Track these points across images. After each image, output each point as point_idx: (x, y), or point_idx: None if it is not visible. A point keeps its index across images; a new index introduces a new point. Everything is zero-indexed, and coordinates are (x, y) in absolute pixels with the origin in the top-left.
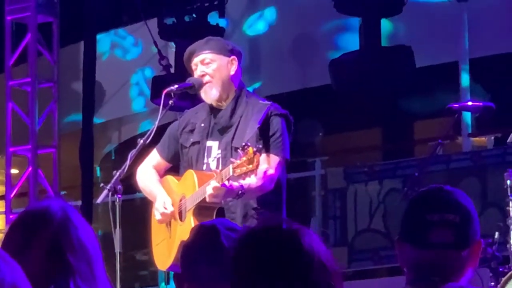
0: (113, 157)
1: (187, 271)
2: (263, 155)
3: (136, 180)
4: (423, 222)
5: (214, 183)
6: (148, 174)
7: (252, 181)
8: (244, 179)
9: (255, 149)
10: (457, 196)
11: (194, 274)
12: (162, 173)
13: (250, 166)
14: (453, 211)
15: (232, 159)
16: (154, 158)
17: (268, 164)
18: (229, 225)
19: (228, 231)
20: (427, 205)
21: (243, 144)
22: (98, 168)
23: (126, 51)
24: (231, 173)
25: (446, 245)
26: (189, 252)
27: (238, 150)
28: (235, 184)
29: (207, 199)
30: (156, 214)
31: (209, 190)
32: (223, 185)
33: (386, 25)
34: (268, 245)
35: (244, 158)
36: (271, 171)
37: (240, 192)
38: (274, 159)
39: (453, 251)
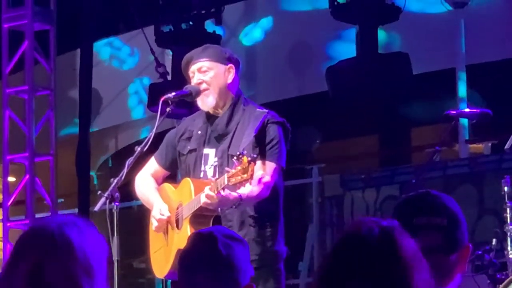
0: (110, 165)
1: (185, 279)
2: (259, 162)
3: (135, 188)
4: (410, 226)
5: (208, 192)
6: (146, 182)
7: (249, 190)
8: (239, 188)
9: (249, 158)
10: (444, 200)
11: (192, 282)
12: (161, 181)
13: (245, 175)
14: (440, 214)
15: (227, 168)
16: (152, 166)
17: (264, 171)
18: (226, 233)
19: (226, 239)
20: (414, 209)
21: (238, 153)
22: (95, 176)
23: (122, 61)
24: (226, 182)
25: (434, 248)
26: (187, 260)
27: (233, 159)
28: (234, 194)
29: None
30: (153, 221)
31: (203, 198)
32: (219, 194)
33: (382, 35)
34: (365, 250)
35: (239, 168)
36: (267, 178)
37: (238, 202)
38: (270, 166)
39: (441, 255)
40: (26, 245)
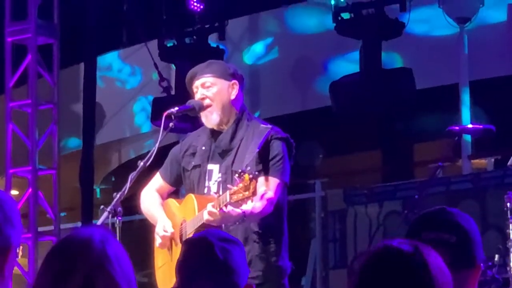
0: (113, 179)
1: (185, 285)
2: (262, 178)
3: (138, 202)
4: (418, 240)
5: (210, 209)
6: (151, 197)
7: (252, 206)
8: (241, 205)
9: (251, 175)
10: (457, 217)
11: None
12: (166, 196)
13: (246, 192)
14: (450, 231)
15: (229, 186)
16: (157, 181)
17: (267, 187)
18: (221, 236)
19: (221, 243)
20: (424, 224)
21: (240, 170)
22: (98, 190)
23: (124, 82)
24: (228, 200)
25: None
26: (185, 268)
27: (235, 176)
28: (237, 210)
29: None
30: (157, 238)
31: (206, 215)
32: (221, 210)
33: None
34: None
35: (241, 185)
36: (270, 194)
37: (241, 218)
38: (274, 181)
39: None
40: (74, 257)
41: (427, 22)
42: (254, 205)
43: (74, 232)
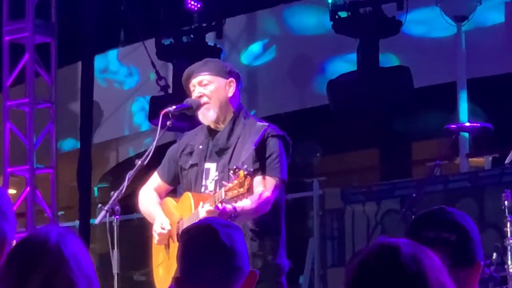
0: (110, 178)
1: (191, 275)
2: (259, 177)
3: (136, 201)
4: (418, 239)
5: (207, 206)
6: (148, 197)
7: (245, 203)
8: (236, 202)
9: (245, 172)
10: (455, 216)
11: (199, 277)
12: (164, 195)
13: (241, 189)
14: (450, 230)
15: (224, 182)
16: (155, 181)
17: (264, 186)
18: (222, 222)
19: (225, 228)
20: (424, 223)
21: (234, 167)
22: (95, 189)
23: (121, 83)
24: (223, 196)
25: None
26: (189, 256)
27: (230, 173)
28: (228, 206)
29: None
30: (155, 235)
31: (202, 213)
32: (216, 207)
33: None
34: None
35: (236, 182)
36: (267, 194)
37: (233, 214)
38: (270, 181)
39: (448, 270)
40: (30, 264)
41: (425, 22)
42: (249, 204)
43: (30, 235)
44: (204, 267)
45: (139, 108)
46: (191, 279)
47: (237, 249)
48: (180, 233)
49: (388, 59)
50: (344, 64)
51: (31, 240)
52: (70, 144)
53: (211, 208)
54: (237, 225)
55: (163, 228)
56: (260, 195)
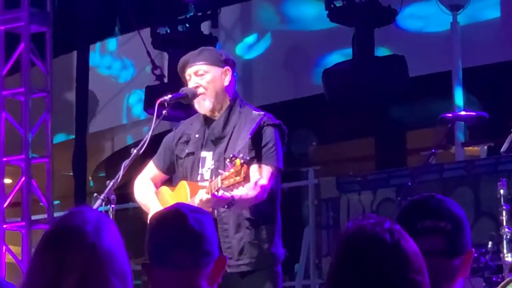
0: (106, 167)
1: (160, 261)
2: (255, 166)
3: (131, 190)
4: (414, 229)
5: (201, 195)
6: (144, 186)
7: (242, 192)
8: (232, 190)
9: (242, 160)
10: (448, 204)
11: (168, 262)
12: (159, 185)
13: (237, 178)
14: (445, 218)
15: (220, 171)
16: (150, 170)
17: (260, 174)
18: (190, 207)
19: (194, 213)
20: (418, 213)
21: (231, 155)
22: (91, 178)
23: (116, 77)
24: (219, 185)
25: (437, 252)
26: (157, 241)
27: (226, 161)
28: (227, 194)
29: None
30: None
31: (196, 201)
32: (213, 195)
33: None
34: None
35: (232, 170)
36: (263, 182)
37: (230, 202)
38: (267, 169)
39: (444, 259)
40: (67, 255)
41: (421, 11)
42: (246, 192)
43: (66, 219)
44: (173, 252)
45: (135, 98)
46: (160, 265)
47: (206, 234)
48: (149, 218)
49: (384, 51)
50: (340, 53)
51: (70, 230)
52: (61, 138)
53: (207, 196)
54: (206, 210)
55: None
56: (256, 183)
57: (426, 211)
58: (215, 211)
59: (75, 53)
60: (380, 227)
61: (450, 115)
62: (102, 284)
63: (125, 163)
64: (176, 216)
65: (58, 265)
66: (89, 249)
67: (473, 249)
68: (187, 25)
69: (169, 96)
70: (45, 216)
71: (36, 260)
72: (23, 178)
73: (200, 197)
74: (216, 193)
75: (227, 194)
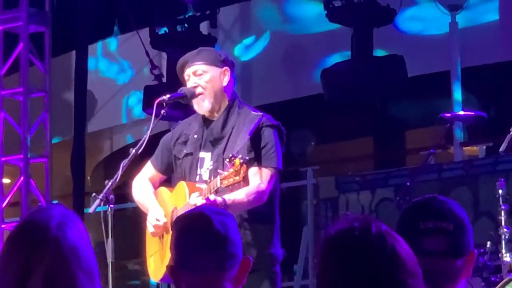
0: (104, 167)
1: (184, 262)
2: (255, 168)
3: (129, 190)
4: (416, 230)
5: (193, 200)
6: (142, 186)
7: (239, 196)
8: (232, 190)
9: (241, 160)
10: (450, 205)
11: (194, 264)
12: (158, 185)
13: (237, 177)
14: (447, 219)
15: (219, 171)
16: (148, 170)
17: (260, 177)
18: (214, 210)
19: (218, 216)
20: (421, 214)
21: (230, 155)
22: (89, 178)
23: (115, 77)
24: (218, 185)
25: (440, 252)
26: (183, 244)
27: (225, 161)
28: (218, 199)
29: None
30: (149, 226)
31: (191, 203)
32: (207, 199)
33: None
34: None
35: (231, 170)
36: (262, 186)
37: (222, 207)
38: (266, 172)
39: (446, 260)
40: (32, 250)
41: (419, 12)
42: (241, 195)
43: (32, 215)
44: (198, 254)
45: (134, 99)
46: (185, 267)
47: (230, 236)
48: (173, 221)
49: (382, 54)
50: (340, 55)
51: (33, 226)
52: (59, 137)
53: (203, 201)
54: (230, 213)
55: (158, 220)
56: (255, 188)
57: (428, 212)
58: None
59: (73, 53)
60: (367, 232)
61: (449, 115)
62: (69, 279)
63: (124, 163)
64: (201, 219)
65: (24, 260)
66: (53, 243)
67: (476, 250)
68: (186, 25)
69: (168, 96)
70: None
71: (1, 257)
72: (22, 178)
73: (194, 202)
74: (211, 196)
75: (219, 198)
